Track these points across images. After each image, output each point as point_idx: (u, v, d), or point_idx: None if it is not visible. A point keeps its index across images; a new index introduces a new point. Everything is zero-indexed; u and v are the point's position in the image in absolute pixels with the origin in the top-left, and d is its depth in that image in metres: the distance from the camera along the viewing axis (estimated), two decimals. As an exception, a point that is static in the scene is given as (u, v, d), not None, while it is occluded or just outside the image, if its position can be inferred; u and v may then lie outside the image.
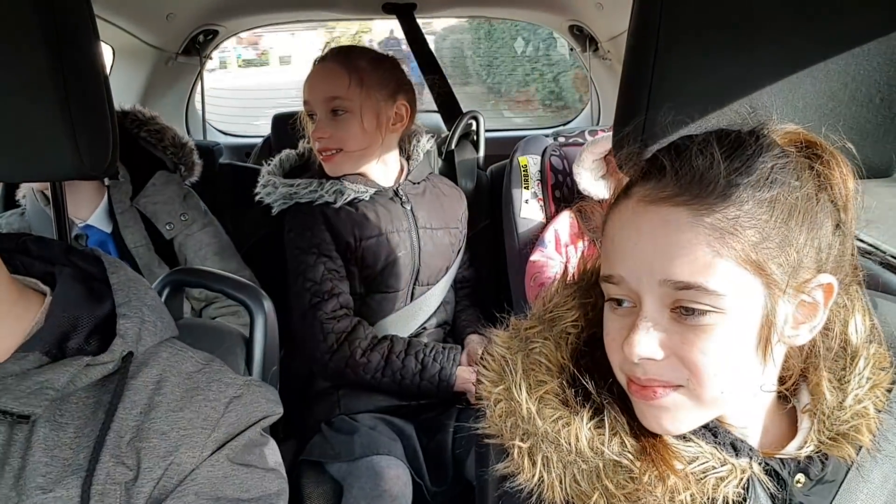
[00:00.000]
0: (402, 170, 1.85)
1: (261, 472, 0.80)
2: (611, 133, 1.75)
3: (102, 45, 2.07)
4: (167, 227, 1.75)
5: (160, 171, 1.79)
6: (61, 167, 0.88)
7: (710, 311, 0.67)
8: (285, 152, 1.89)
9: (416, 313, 1.82)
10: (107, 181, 1.73)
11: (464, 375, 1.69)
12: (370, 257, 1.74)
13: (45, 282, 0.84)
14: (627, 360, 0.70)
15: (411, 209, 1.80)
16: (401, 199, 1.80)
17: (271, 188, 1.77)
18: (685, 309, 0.67)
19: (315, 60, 1.75)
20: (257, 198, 1.79)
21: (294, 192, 1.74)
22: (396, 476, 1.50)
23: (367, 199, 1.76)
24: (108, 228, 1.73)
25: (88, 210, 1.72)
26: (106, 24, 2.08)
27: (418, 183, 1.86)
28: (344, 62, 1.70)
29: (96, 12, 1.91)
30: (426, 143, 1.92)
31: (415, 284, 1.82)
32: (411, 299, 1.81)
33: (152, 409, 0.77)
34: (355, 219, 1.74)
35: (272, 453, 0.84)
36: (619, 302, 0.72)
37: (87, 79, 0.87)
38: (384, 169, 1.80)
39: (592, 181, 1.85)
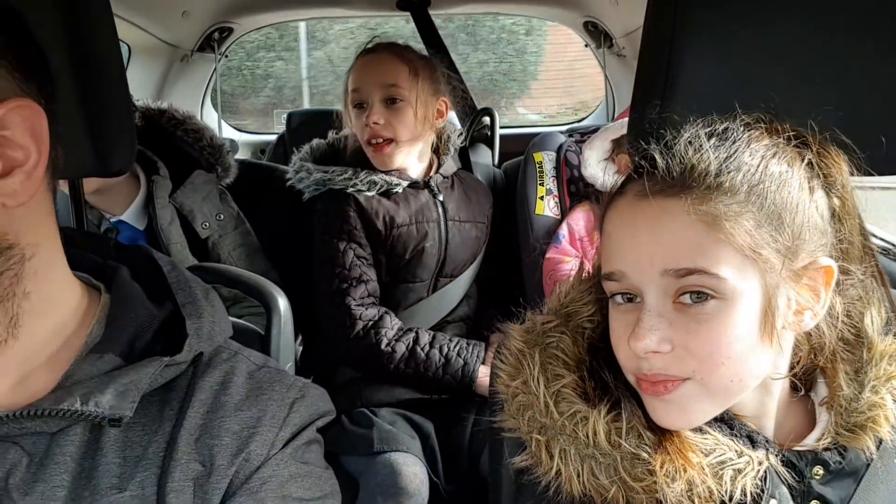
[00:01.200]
0: (431, 163, 1.87)
1: (319, 471, 0.79)
2: (622, 120, 1.77)
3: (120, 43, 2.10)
4: (203, 227, 1.75)
5: (198, 171, 1.79)
6: (80, 164, 0.89)
7: (712, 296, 0.68)
8: (315, 141, 1.90)
9: (437, 305, 1.83)
10: (140, 177, 1.72)
11: (485, 380, 1.68)
12: (400, 246, 1.76)
13: (96, 277, 0.82)
14: (633, 356, 0.71)
15: (442, 200, 1.82)
16: (432, 190, 1.82)
17: (304, 174, 1.79)
18: (691, 295, 0.68)
19: (358, 53, 1.78)
20: (289, 183, 1.81)
21: (328, 179, 1.76)
22: (413, 474, 1.50)
23: (399, 191, 1.78)
24: (141, 225, 1.73)
25: (123, 206, 1.72)
26: (122, 22, 2.10)
27: (447, 177, 1.88)
28: (400, 53, 1.74)
29: (112, 9, 1.93)
30: (457, 139, 1.94)
31: (438, 275, 1.83)
32: (434, 290, 1.83)
33: (220, 407, 0.76)
34: (387, 207, 1.75)
35: (323, 452, 0.85)
36: (625, 298, 0.73)
37: (105, 76, 0.88)
38: (418, 163, 1.82)
39: (600, 172, 1.85)
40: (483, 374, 1.68)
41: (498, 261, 1.98)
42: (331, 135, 1.92)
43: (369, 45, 1.79)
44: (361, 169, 1.76)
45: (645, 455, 0.70)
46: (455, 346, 1.71)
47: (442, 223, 1.81)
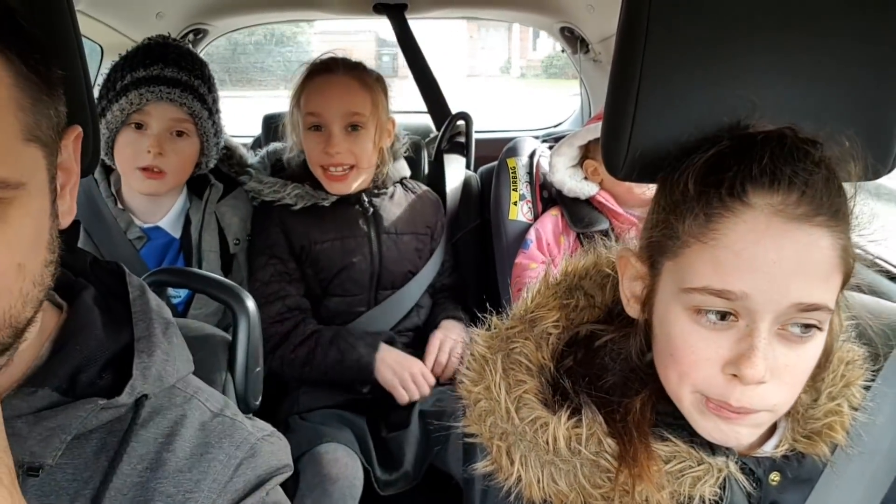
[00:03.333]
0: (371, 176, 1.85)
1: None
2: (592, 125, 1.76)
3: (91, 43, 2.07)
4: (234, 242, 1.75)
5: (241, 188, 1.81)
6: None
7: (818, 329, 0.67)
8: (273, 146, 1.91)
9: (381, 317, 1.82)
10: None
11: (386, 375, 1.68)
12: (324, 261, 1.76)
13: (63, 295, 0.78)
14: (721, 379, 0.68)
15: (372, 214, 1.81)
16: (361, 203, 1.81)
17: (256, 183, 1.79)
18: (801, 327, 0.67)
19: (314, 67, 1.75)
20: (246, 187, 1.81)
21: (260, 190, 1.77)
22: (345, 463, 1.48)
23: (327, 205, 1.77)
24: (176, 233, 1.71)
25: (161, 213, 1.70)
26: (94, 22, 2.07)
27: (385, 188, 1.86)
28: (362, 79, 1.73)
29: (84, 10, 1.90)
30: (401, 147, 1.93)
31: (377, 289, 1.82)
32: (375, 303, 1.82)
33: (160, 466, 0.71)
34: (311, 222, 1.76)
35: None
36: (718, 315, 0.68)
37: (66, 75, 0.86)
38: (360, 178, 1.80)
39: (567, 177, 1.85)
40: (380, 360, 1.68)
41: (471, 264, 1.98)
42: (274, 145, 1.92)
43: (325, 61, 1.76)
44: (291, 182, 1.76)
45: (604, 462, 0.70)
46: (353, 340, 1.70)
47: (373, 237, 1.81)
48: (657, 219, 0.74)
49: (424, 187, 2.00)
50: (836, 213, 0.66)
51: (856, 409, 0.78)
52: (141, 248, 1.68)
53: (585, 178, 1.84)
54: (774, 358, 0.67)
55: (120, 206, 1.68)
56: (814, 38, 0.76)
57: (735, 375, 0.67)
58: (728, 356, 0.68)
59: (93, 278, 0.81)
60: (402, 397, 1.67)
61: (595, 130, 1.78)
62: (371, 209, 1.81)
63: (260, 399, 1.22)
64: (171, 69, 1.57)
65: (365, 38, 7.19)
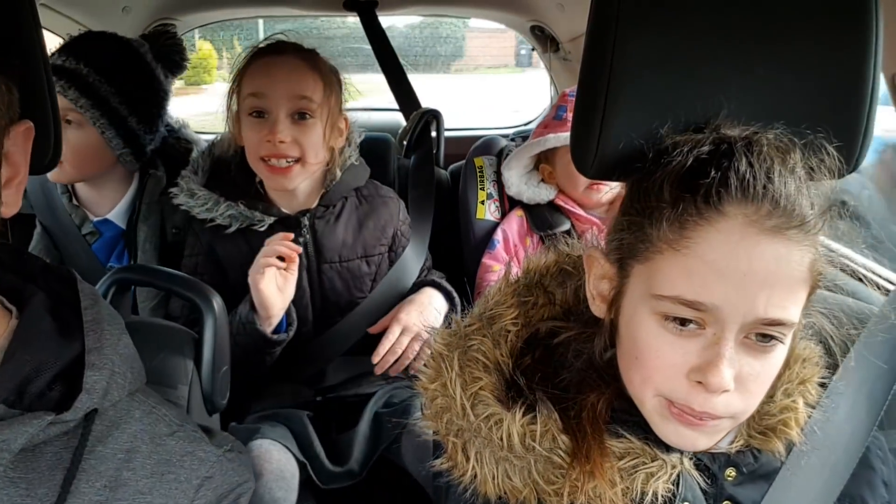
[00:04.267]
0: (319, 187, 1.64)
1: None
2: (538, 139, 1.78)
3: (54, 36, 2.04)
4: (173, 231, 1.72)
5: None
6: None
7: (780, 340, 0.68)
8: (206, 148, 1.69)
9: (331, 345, 1.65)
10: (134, 176, 1.73)
11: (252, 277, 1.45)
12: None
13: (12, 299, 0.76)
14: (684, 383, 0.69)
15: (314, 241, 1.61)
16: (299, 229, 1.58)
17: (187, 196, 1.59)
18: (760, 337, 0.68)
19: (259, 49, 1.56)
20: (175, 201, 1.60)
21: (193, 206, 1.57)
22: (277, 458, 1.39)
23: (262, 229, 1.56)
24: (124, 224, 1.71)
25: (109, 205, 1.71)
26: (58, 16, 2.04)
27: (334, 204, 1.64)
28: (313, 61, 1.54)
29: (48, 3, 1.88)
30: (352, 153, 1.69)
31: (322, 317, 1.64)
32: (325, 328, 1.64)
33: (120, 486, 0.69)
34: (243, 252, 1.56)
35: None
36: (682, 322, 0.69)
37: (25, 69, 0.85)
38: (308, 185, 1.61)
39: (524, 186, 1.86)
40: (264, 316, 1.47)
41: (439, 266, 1.92)
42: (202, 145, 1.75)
43: (271, 43, 1.56)
44: (224, 199, 1.55)
45: (557, 459, 0.71)
46: (236, 309, 1.50)
47: (313, 268, 1.61)
48: (628, 221, 0.74)
49: (383, 189, 1.77)
50: (806, 224, 0.67)
51: (812, 406, 0.79)
52: (93, 243, 1.69)
53: (543, 181, 1.86)
54: (740, 367, 0.68)
55: (75, 201, 1.69)
56: (781, 38, 0.77)
57: (700, 382, 0.68)
58: (694, 363, 0.68)
59: (43, 284, 0.79)
60: (285, 252, 1.46)
61: (539, 145, 1.80)
62: (310, 235, 1.60)
63: (227, 398, 1.22)
64: (71, 60, 1.57)
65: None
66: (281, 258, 1.48)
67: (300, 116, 1.51)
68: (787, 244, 0.66)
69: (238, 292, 1.53)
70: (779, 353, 0.70)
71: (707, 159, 0.69)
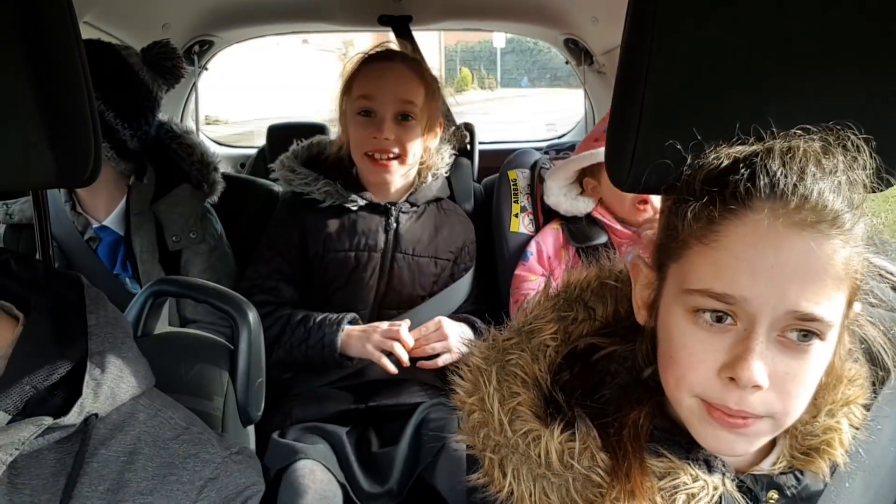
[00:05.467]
0: (409, 186, 1.81)
1: None
2: (589, 152, 1.76)
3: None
4: (173, 239, 1.73)
5: (186, 184, 1.79)
6: (39, 176, 0.87)
7: (818, 337, 0.67)
8: (317, 138, 1.88)
9: None
10: (130, 181, 1.73)
11: (357, 347, 1.61)
12: (333, 271, 1.72)
13: (20, 306, 0.77)
14: (717, 382, 0.67)
15: (395, 231, 1.75)
16: (388, 217, 1.75)
17: (285, 172, 1.77)
18: (799, 333, 0.66)
19: (369, 56, 1.72)
20: (272, 175, 1.80)
21: (291, 179, 1.74)
22: (320, 479, 1.43)
23: (353, 208, 1.73)
24: (122, 230, 1.73)
25: (106, 211, 1.73)
26: (102, 34, 2.09)
27: (418, 205, 1.80)
28: (417, 70, 1.71)
29: (91, 21, 1.92)
30: (445, 164, 1.88)
31: (381, 307, 1.75)
32: (378, 320, 1.71)
33: (121, 487, 0.70)
34: (330, 229, 1.72)
35: None
36: (715, 317, 0.68)
37: (66, 85, 0.87)
38: (400, 181, 1.77)
39: (563, 197, 1.85)
40: (346, 337, 1.62)
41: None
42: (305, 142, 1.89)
43: (380, 51, 1.74)
44: (324, 177, 1.73)
45: (597, 477, 0.70)
46: (319, 320, 1.64)
47: (388, 254, 1.74)
48: (665, 224, 0.74)
49: (461, 209, 1.94)
50: (839, 220, 0.66)
51: (856, 428, 0.77)
52: (96, 248, 1.72)
53: (581, 194, 1.85)
54: (773, 364, 0.66)
55: (79, 209, 1.72)
56: (823, 43, 0.75)
57: (732, 379, 0.66)
58: (724, 359, 0.67)
59: (49, 290, 0.79)
60: (387, 366, 1.60)
61: (589, 158, 1.78)
62: (395, 225, 1.75)
63: (262, 410, 1.22)
64: None
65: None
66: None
67: (403, 118, 1.68)
68: (817, 238, 0.65)
69: (312, 264, 1.72)
70: (816, 353, 0.67)
71: (741, 159, 0.69)
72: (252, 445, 1.30)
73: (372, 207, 1.75)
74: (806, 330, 0.66)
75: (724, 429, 0.69)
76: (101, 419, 0.72)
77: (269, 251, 1.74)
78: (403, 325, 1.64)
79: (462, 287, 1.85)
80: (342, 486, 1.47)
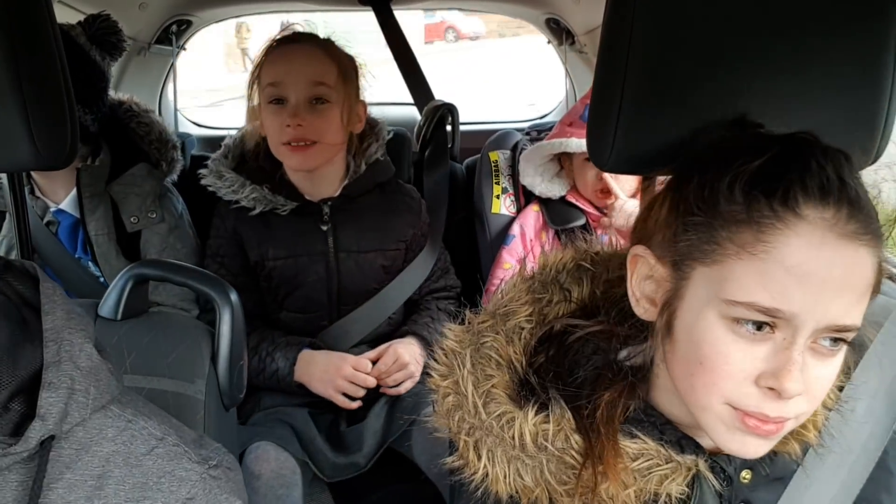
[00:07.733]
0: (342, 177, 1.71)
1: None
2: (561, 140, 1.76)
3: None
4: (131, 220, 1.71)
5: (142, 163, 1.76)
6: (15, 157, 0.86)
7: (846, 343, 0.67)
8: (239, 135, 1.76)
9: (345, 333, 1.69)
10: (77, 164, 1.69)
11: (318, 388, 1.59)
12: (277, 278, 1.67)
13: None
14: (754, 391, 0.66)
15: (332, 229, 1.67)
16: (321, 216, 1.67)
17: (215, 177, 1.68)
18: (831, 340, 0.66)
19: (276, 41, 1.61)
20: (202, 182, 1.70)
21: (220, 186, 1.66)
22: (275, 458, 1.44)
23: (285, 213, 1.65)
24: (78, 213, 1.70)
25: (63, 193, 1.70)
26: (76, 14, 2.05)
27: (355, 198, 1.70)
28: (328, 49, 1.60)
29: (66, 0, 1.88)
30: (375, 152, 1.75)
31: (338, 305, 1.70)
32: (338, 317, 1.69)
33: None
34: (266, 235, 1.65)
35: None
36: (755, 325, 0.66)
37: (42, 66, 0.85)
38: (330, 172, 1.68)
39: (538, 178, 1.85)
40: (302, 373, 1.59)
41: (455, 261, 1.92)
42: (229, 136, 1.80)
43: (289, 34, 1.62)
44: (250, 182, 1.64)
45: (570, 459, 0.70)
46: (272, 349, 1.61)
47: (331, 256, 1.67)
48: (691, 222, 0.69)
49: (406, 188, 1.84)
50: (876, 229, 0.66)
51: (829, 409, 0.78)
52: (55, 231, 1.70)
53: (556, 175, 1.85)
54: (806, 370, 0.66)
55: (37, 193, 1.69)
56: (801, 31, 0.75)
57: (772, 389, 0.65)
58: (763, 368, 0.66)
59: (4, 285, 0.74)
60: (346, 405, 1.59)
61: (558, 147, 1.79)
62: (330, 224, 1.67)
63: (244, 392, 1.22)
64: None
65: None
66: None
67: (317, 101, 1.56)
68: (858, 249, 0.64)
69: (256, 272, 1.66)
70: (841, 356, 0.68)
71: (777, 158, 0.66)
72: (234, 429, 1.31)
73: (303, 209, 1.67)
74: (840, 338, 0.67)
75: (754, 435, 0.68)
76: (66, 437, 0.66)
77: (212, 261, 1.69)
78: (366, 367, 1.61)
79: (419, 267, 1.79)
80: (304, 463, 1.47)
